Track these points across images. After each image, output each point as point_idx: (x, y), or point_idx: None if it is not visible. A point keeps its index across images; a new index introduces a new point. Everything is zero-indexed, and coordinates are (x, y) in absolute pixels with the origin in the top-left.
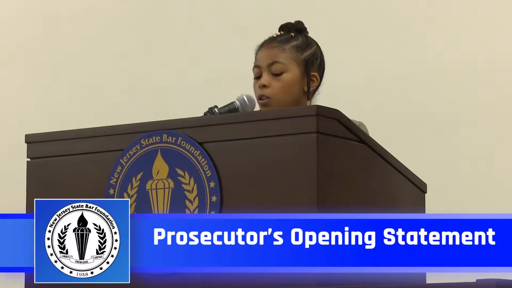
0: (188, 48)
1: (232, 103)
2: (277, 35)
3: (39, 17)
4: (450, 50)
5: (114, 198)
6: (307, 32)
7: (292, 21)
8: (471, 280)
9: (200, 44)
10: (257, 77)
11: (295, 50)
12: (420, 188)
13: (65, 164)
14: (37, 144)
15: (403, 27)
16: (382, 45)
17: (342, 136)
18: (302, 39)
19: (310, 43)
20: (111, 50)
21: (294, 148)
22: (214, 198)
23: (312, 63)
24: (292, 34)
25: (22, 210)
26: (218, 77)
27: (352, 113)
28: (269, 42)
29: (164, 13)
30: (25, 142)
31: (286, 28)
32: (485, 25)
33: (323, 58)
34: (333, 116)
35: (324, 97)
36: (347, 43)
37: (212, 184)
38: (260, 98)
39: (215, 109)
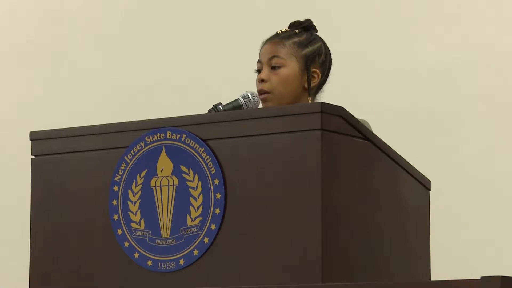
0: (192, 46)
1: (237, 100)
2: (281, 31)
3: (44, 15)
4: (455, 46)
5: (118, 194)
6: (316, 31)
7: (301, 19)
8: (476, 277)
9: (203, 43)
10: (259, 71)
11: (296, 45)
12: (424, 185)
13: (70, 161)
14: (42, 141)
15: (411, 21)
16: (386, 42)
17: (346, 133)
18: (306, 36)
19: (314, 40)
20: (116, 49)
21: (298, 145)
22: (218, 195)
23: (314, 60)
24: (297, 31)
25: (25, 205)
26: (222, 75)
27: (356, 111)
28: (272, 38)
29: (166, 12)
30: (30, 139)
31: (294, 26)
32: (491, 18)
33: (329, 56)
34: (337, 113)
35: (327, 96)
36: (349, 41)
37: (216, 181)
38: (259, 93)
39: (220, 106)
